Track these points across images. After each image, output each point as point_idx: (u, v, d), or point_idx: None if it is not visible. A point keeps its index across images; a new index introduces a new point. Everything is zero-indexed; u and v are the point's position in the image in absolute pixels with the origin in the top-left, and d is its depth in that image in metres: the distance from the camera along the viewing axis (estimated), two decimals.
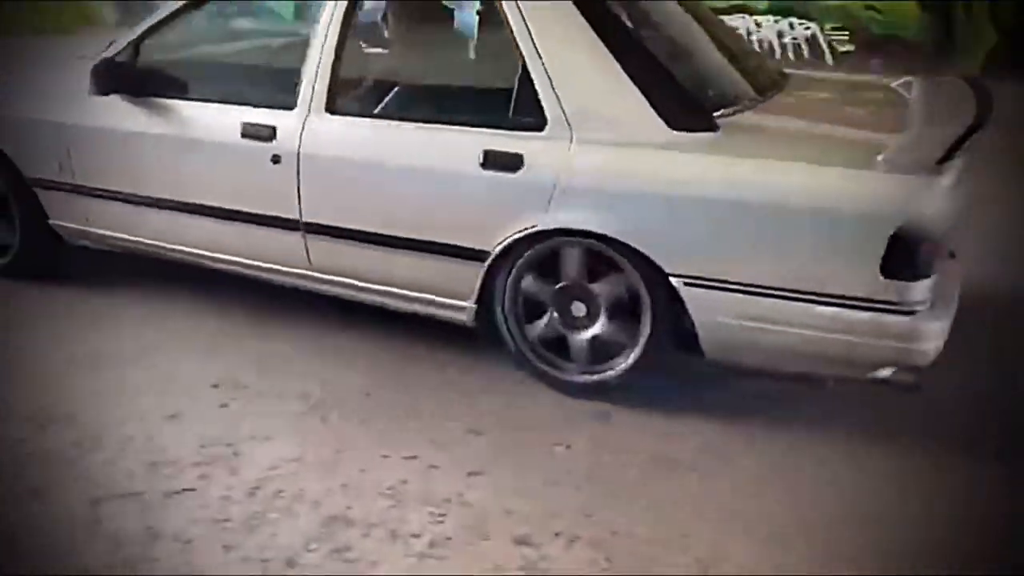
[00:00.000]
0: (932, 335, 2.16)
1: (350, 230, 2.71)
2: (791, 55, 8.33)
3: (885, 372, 2.22)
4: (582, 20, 2.42)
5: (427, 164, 2.58)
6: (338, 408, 2.56)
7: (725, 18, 7.36)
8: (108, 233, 3.19)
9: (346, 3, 2.69)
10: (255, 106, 2.81)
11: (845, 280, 2.17)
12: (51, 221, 3.26)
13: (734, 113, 2.48)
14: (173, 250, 3.09)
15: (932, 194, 2.09)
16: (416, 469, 2.25)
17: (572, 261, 2.48)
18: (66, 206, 3.21)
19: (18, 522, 2.04)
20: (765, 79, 2.87)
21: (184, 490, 2.16)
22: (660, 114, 2.34)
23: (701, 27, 3.03)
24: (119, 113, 2.98)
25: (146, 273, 3.39)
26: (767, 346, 2.31)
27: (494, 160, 2.46)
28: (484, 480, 2.21)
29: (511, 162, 2.44)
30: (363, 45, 2.94)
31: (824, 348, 2.23)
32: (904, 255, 2.09)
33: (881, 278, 2.10)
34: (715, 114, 2.41)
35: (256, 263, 2.94)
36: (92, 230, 3.22)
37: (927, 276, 2.12)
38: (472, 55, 2.91)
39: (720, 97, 2.57)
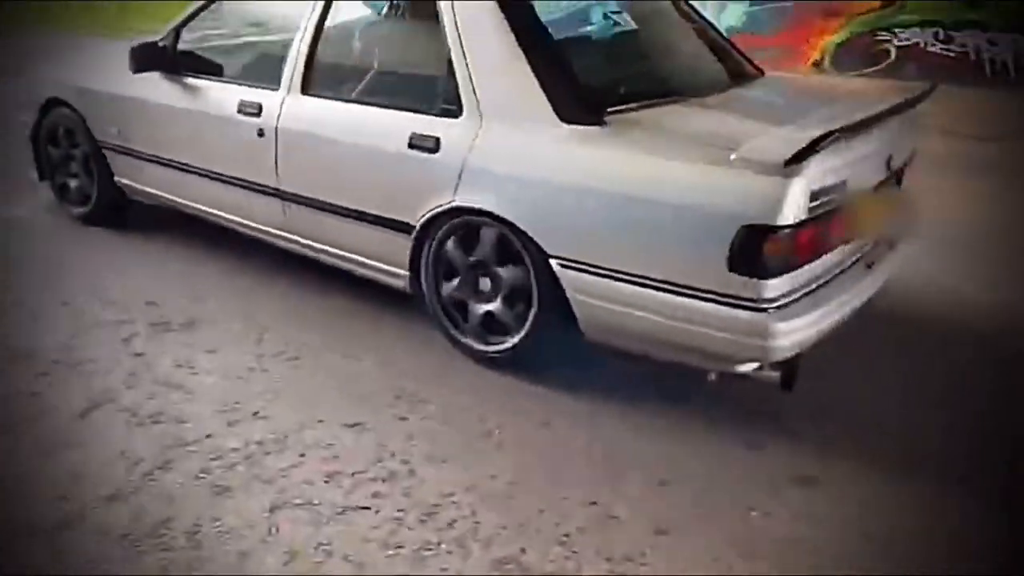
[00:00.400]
0: (784, 333, 2.18)
1: (312, 199, 3.05)
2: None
3: (748, 367, 2.31)
4: (501, 19, 2.62)
5: (368, 142, 2.87)
6: (515, 436, 2.47)
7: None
8: (149, 190, 3.76)
9: (320, 4, 3.07)
10: (251, 86, 3.23)
11: (698, 273, 2.25)
12: (115, 178, 3.87)
13: (637, 109, 2.60)
14: (196, 210, 3.60)
15: (778, 194, 2.10)
16: (595, 517, 2.12)
17: (482, 238, 2.66)
18: (122, 165, 3.81)
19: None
20: (715, 77, 3.07)
21: (359, 507, 2.14)
22: (553, 107, 2.50)
23: (671, 27, 3.30)
24: (155, 88, 3.51)
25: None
26: (634, 331, 2.42)
27: (418, 142, 2.71)
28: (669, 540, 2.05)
29: (431, 144, 2.68)
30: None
31: (682, 337, 2.32)
32: (748, 253, 2.14)
33: (729, 274, 2.17)
34: (615, 109, 2.54)
35: (250, 224, 3.37)
36: (137, 186, 3.81)
37: (776, 275, 2.17)
38: (413, 47, 3.10)
39: (632, 94, 2.69)
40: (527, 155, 2.55)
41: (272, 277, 3.49)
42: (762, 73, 3.27)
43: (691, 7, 3.45)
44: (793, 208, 2.11)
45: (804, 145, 2.08)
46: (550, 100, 2.51)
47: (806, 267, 2.25)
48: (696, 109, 2.69)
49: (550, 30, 2.78)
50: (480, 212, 2.60)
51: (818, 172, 2.16)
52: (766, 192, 2.12)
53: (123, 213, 4.03)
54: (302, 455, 2.36)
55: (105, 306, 3.26)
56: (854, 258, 2.53)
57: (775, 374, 2.31)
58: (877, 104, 2.47)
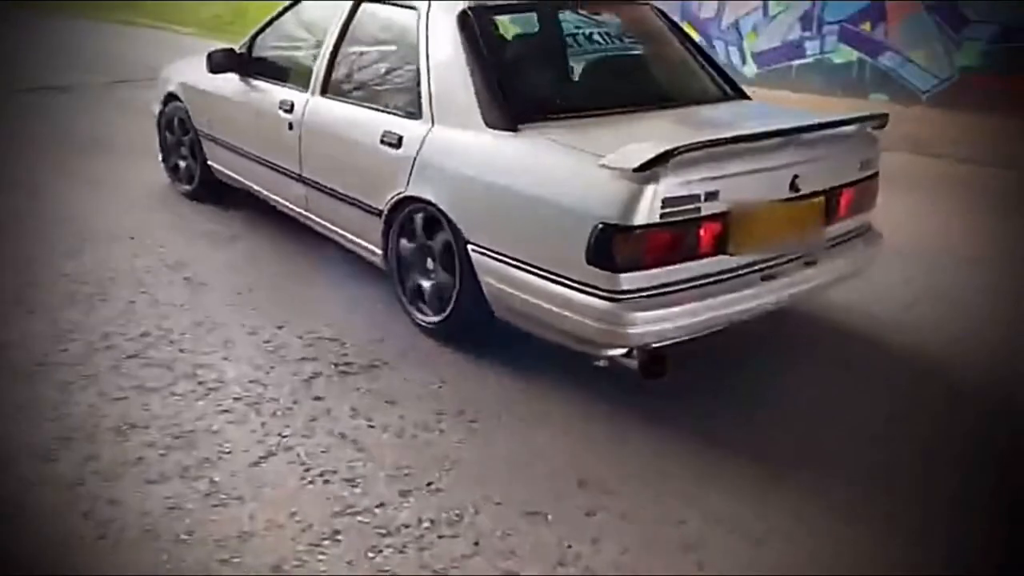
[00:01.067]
0: (638, 323, 2.44)
1: (322, 184, 3.58)
2: None
3: (613, 352, 2.57)
4: (457, 35, 3.04)
5: (355, 136, 3.38)
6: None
7: None
8: (228, 172, 4.42)
9: (346, 14, 3.60)
10: (291, 87, 3.80)
11: (566, 263, 2.55)
12: (208, 162, 4.56)
13: (564, 118, 2.93)
14: (256, 192, 4.21)
15: (628, 197, 2.38)
16: None
17: (426, 224, 3.08)
18: (211, 151, 4.51)
19: None
20: (673, 96, 3.39)
21: None
22: (482, 114, 2.91)
23: (652, 48, 3.69)
24: (232, 86, 4.17)
25: None
26: (523, 312, 2.78)
27: (387, 138, 3.18)
28: None
29: (395, 140, 3.14)
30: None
31: (558, 321, 2.62)
32: (602, 248, 2.43)
33: (588, 266, 2.47)
34: (550, 116, 2.92)
35: (287, 205, 3.93)
36: (221, 169, 4.47)
37: (627, 270, 2.43)
38: (393, 57, 3.48)
39: (571, 105, 3.10)
40: (458, 154, 2.96)
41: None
42: (744, 97, 3.49)
43: (683, 34, 3.74)
44: (642, 211, 2.37)
45: (658, 153, 2.32)
46: (480, 108, 2.90)
47: (668, 267, 2.49)
48: (618, 123, 2.99)
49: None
50: (423, 201, 3.02)
51: (676, 181, 2.40)
52: (619, 195, 2.40)
53: (219, 192, 4.63)
54: (476, 543, 2.12)
55: (292, 338, 3.21)
56: (746, 268, 2.67)
57: (633, 362, 2.53)
58: (780, 125, 2.72)
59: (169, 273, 3.80)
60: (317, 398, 2.80)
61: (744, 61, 9.14)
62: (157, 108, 4.90)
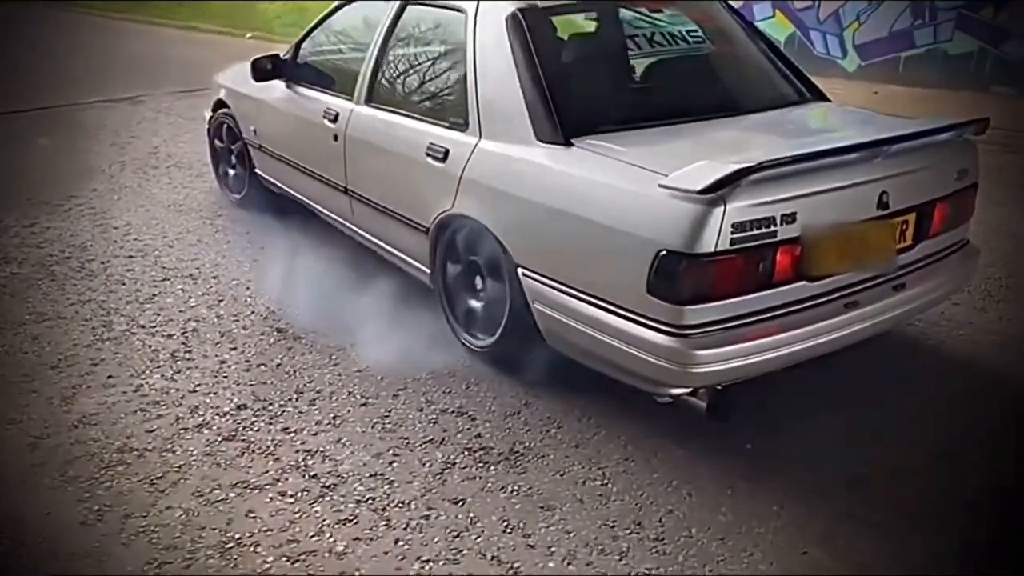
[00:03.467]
0: (703, 361, 2.18)
1: (367, 197, 3.39)
2: None
3: (678, 391, 2.34)
4: (507, 41, 2.77)
5: (398, 148, 3.18)
6: None
7: None
8: (274, 181, 4.24)
9: (391, 17, 3.36)
10: (336, 95, 3.58)
11: (624, 293, 2.32)
12: (256, 171, 4.39)
13: (623, 130, 2.65)
14: (303, 203, 4.03)
15: (693, 222, 2.11)
16: None
17: (475, 243, 2.85)
18: (258, 160, 4.35)
19: None
20: (750, 99, 3.04)
21: None
22: (533, 127, 2.65)
23: (725, 46, 3.29)
24: (277, 94, 3.97)
25: None
26: (578, 344, 2.54)
27: (432, 151, 2.95)
28: None
29: (441, 153, 2.91)
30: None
31: (614, 355, 2.38)
32: (666, 278, 2.18)
33: (649, 297, 2.22)
34: (606, 128, 2.63)
35: (333, 217, 3.76)
36: (268, 178, 4.31)
37: (694, 302, 2.17)
38: (440, 63, 3.25)
39: (633, 114, 2.81)
40: (507, 170, 2.71)
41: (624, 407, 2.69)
42: (823, 99, 3.15)
43: (755, 31, 3.41)
44: (710, 238, 2.10)
45: (726, 174, 2.05)
46: (531, 119, 2.65)
47: (739, 298, 2.22)
48: (682, 133, 2.71)
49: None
50: (470, 219, 2.80)
51: (749, 203, 2.13)
52: (683, 219, 2.13)
53: (269, 202, 4.38)
54: None
55: (411, 411, 2.71)
56: (827, 296, 2.40)
57: (701, 403, 2.31)
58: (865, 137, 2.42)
59: (259, 323, 3.32)
60: (456, 501, 2.28)
61: (845, 53, 8.41)
62: (207, 115, 4.76)
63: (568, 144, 2.57)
